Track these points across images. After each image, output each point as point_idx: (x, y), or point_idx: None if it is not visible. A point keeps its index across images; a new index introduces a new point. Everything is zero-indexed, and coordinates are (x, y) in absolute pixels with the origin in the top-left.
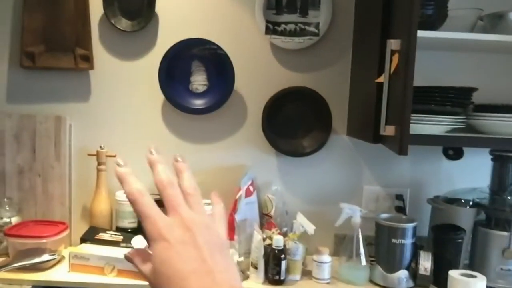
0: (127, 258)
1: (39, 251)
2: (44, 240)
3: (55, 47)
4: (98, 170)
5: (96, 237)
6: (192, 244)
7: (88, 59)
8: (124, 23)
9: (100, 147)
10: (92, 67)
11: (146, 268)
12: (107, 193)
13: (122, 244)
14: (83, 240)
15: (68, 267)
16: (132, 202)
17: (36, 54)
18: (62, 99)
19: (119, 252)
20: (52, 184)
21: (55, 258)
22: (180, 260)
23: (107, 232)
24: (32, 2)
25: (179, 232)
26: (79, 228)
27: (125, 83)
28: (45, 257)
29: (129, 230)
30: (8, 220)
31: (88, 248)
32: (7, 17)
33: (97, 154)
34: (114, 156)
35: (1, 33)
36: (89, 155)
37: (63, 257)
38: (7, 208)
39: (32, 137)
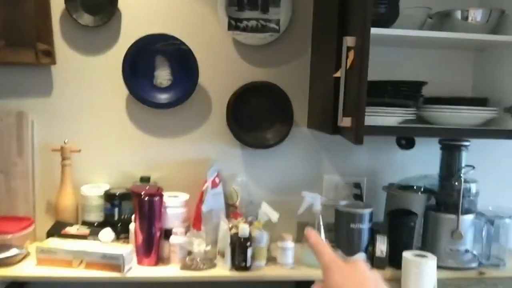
0: None
1: (4, 247)
2: (9, 236)
3: (16, 42)
4: (63, 166)
5: (63, 232)
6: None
7: (49, 54)
8: (86, 18)
9: (64, 142)
10: (54, 62)
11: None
12: (72, 188)
13: (89, 237)
14: (50, 234)
15: (35, 261)
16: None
17: None
18: (23, 94)
19: (87, 246)
20: (15, 181)
21: (23, 252)
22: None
23: (74, 226)
24: None
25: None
26: (44, 223)
27: (89, 78)
28: (13, 251)
29: (96, 224)
30: None
31: (55, 242)
32: None
33: (61, 150)
34: (79, 151)
35: None
36: (53, 150)
37: (29, 253)
38: None
39: None
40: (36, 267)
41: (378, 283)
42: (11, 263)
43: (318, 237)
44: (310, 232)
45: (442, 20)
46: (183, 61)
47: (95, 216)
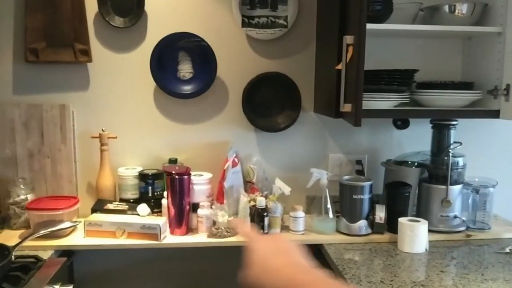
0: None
1: (56, 222)
2: (60, 212)
3: (56, 43)
4: (102, 151)
5: (105, 208)
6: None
7: (86, 53)
8: (117, 20)
9: (102, 130)
10: (90, 60)
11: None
12: (110, 169)
13: (128, 212)
14: (94, 210)
15: (83, 233)
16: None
17: (39, 50)
18: (64, 89)
19: (127, 218)
20: (60, 165)
21: (76, 225)
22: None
23: (113, 203)
24: (33, 3)
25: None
26: (85, 201)
27: (120, 73)
28: (67, 224)
29: (132, 200)
30: (24, 197)
31: (100, 216)
32: (10, 17)
33: (100, 137)
34: (115, 138)
35: (6, 32)
36: (92, 137)
37: (76, 227)
38: (22, 187)
39: (39, 124)
40: (85, 238)
41: (295, 247)
42: (62, 235)
43: (243, 225)
44: (234, 223)
45: (432, 13)
46: (203, 56)
47: (131, 194)
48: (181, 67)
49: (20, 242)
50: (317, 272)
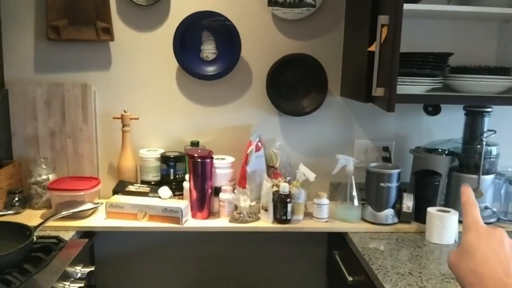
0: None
1: (78, 203)
2: (82, 193)
3: (78, 21)
4: (123, 132)
5: (126, 189)
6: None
7: (108, 31)
8: None
9: (124, 110)
10: (112, 39)
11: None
12: (132, 151)
13: (150, 194)
14: (115, 192)
15: (105, 215)
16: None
17: (61, 28)
18: (86, 68)
19: (149, 201)
20: (82, 145)
21: (98, 206)
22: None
23: (134, 185)
24: None
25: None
26: (106, 182)
27: (143, 53)
28: (89, 205)
29: (153, 183)
30: (46, 177)
31: (122, 198)
32: None
33: (122, 117)
34: (137, 119)
35: (27, 10)
36: (114, 118)
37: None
38: (44, 167)
39: (61, 103)
40: (106, 220)
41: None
42: (84, 216)
43: (470, 196)
44: (465, 189)
45: None
46: (227, 36)
47: (153, 176)
48: (205, 48)
49: (42, 223)
50: None
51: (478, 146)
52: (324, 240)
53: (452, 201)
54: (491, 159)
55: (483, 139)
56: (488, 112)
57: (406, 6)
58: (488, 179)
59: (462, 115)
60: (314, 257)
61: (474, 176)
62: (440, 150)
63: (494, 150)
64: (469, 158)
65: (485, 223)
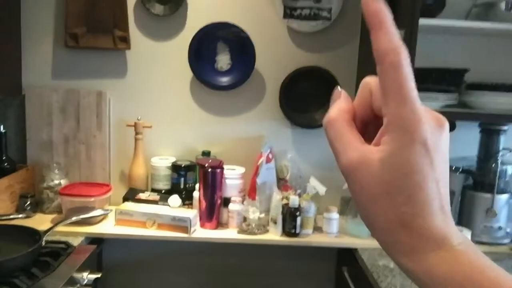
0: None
1: (88, 209)
2: (93, 199)
3: (96, 29)
4: (136, 139)
5: (136, 197)
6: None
7: (125, 40)
8: (157, 8)
9: (138, 118)
10: (129, 47)
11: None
12: (144, 159)
13: (159, 203)
14: (125, 199)
15: (114, 222)
16: (392, 65)
17: (79, 35)
18: (102, 76)
19: (158, 209)
20: (94, 151)
21: (108, 213)
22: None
23: (145, 192)
24: None
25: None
26: (117, 189)
27: (158, 62)
28: (99, 211)
29: (163, 191)
30: (58, 182)
31: (131, 206)
32: (51, 1)
33: (135, 125)
34: (150, 127)
35: (46, 17)
36: (128, 125)
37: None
38: (56, 172)
39: (76, 109)
40: (115, 227)
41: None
42: (93, 222)
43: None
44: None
45: (486, 9)
46: (242, 47)
47: (163, 185)
48: (219, 58)
49: (51, 228)
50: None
51: (493, 165)
52: (333, 255)
53: (465, 219)
54: (506, 178)
55: (498, 157)
56: (504, 130)
57: (422, 21)
58: (502, 198)
59: (477, 133)
60: (323, 273)
61: (488, 195)
62: (453, 168)
63: (509, 169)
64: (484, 177)
65: (498, 243)
